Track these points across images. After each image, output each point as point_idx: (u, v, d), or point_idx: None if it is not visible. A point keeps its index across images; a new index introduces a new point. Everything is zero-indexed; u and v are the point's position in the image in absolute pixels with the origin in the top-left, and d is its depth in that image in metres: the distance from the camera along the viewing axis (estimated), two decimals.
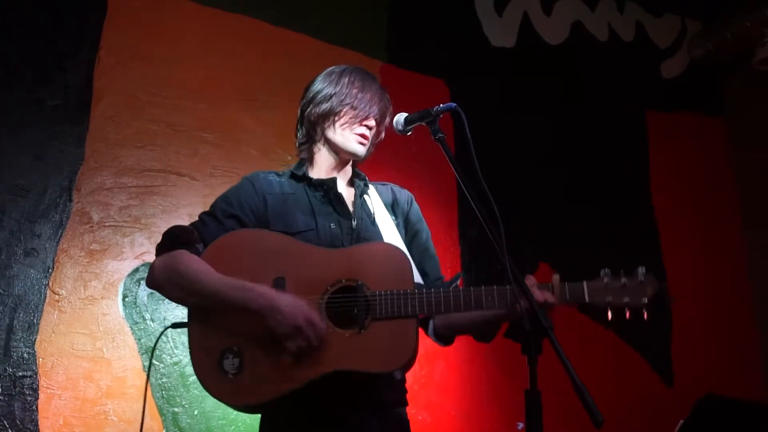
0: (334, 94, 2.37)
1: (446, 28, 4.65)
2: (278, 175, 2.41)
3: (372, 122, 2.36)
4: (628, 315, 2.08)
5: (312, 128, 2.41)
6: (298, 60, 3.99)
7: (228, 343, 2.06)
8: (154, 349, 2.55)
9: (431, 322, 2.35)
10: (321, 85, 2.42)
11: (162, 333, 2.54)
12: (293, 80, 3.84)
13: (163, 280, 2.14)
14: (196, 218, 2.30)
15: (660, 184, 5.22)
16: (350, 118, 2.34)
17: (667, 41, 5.59)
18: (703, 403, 2.54)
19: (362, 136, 2.35)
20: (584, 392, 1.62)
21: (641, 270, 2.10)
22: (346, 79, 2.40)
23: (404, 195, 2.52)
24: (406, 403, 2.29)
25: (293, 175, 2.39)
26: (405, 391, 2.30)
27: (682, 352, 4.80)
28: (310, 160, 2.44)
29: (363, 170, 2.53)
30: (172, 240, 2.18)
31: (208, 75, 3.75)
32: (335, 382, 2.04)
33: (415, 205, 2.52)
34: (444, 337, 2.39)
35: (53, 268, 3.19)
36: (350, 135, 2.35)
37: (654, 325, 4.75)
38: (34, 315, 3.10)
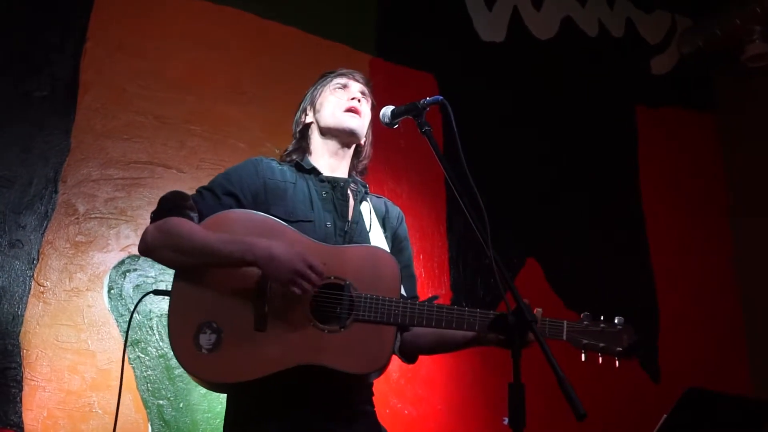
0: (312, 90, 2.52)
1: (436, 21, 4.64)
2: (279, 163, 2.41)
3: (357, 88, 2.46)
4: (600, 360, 2.16)
5: (303, 130, 2.49)
6: (286, 53, 3.99)
7: (208, 318, 2.04)
8: (131, 319, 2.54)
9: (400, 339, 2.35)
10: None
11: (142, 298, 2.53)
12: (282, 73, 3.89)
13: (155, 243, 2.12)
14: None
15: (649, 179, 5.22)
16: (332, 96, 2.44)
17: (657, 37, 5.60)
18: (686, 397, 2.55)
19: (351, 109, 2.41)
20: (567, 385, 1.62)
21: (620, 319, 2.18)
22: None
23: (396, 211, 2.54)
24: (372, 403, 2.32)
25: (299, 167, 2.39)
26: (372, 393, 2.33)
27: (669, 348, 4.81)
28: (306, 150, 2.48)
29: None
30: (167, 206, 2.17)
31: (196, 67, 3.74)
32: (306, 375, 2.04)
33: (404, 224, 2.54)
34: (408, 355, 2.42)
35: (38, 259, 3.17)
36: (339, 113, 2.41)
37: (641, 321, 4.77)
38: (18, 306, 3.08)
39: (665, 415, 2.65)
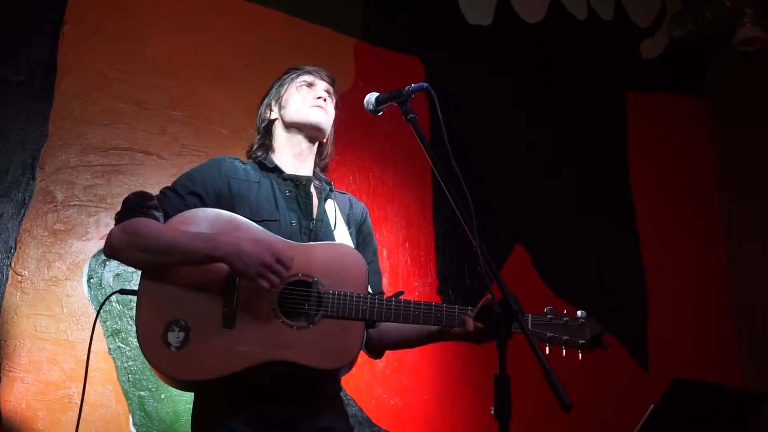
0: (278, 85, 2.54)
1: (422, 4, 4.57)
2: (243, 162, 2.41)
3: (322, 86, 2.47)
4: (564, 352, 2.19)
5: (268, 126, 2.50)
6: (270, 37, 3.92)
7: (176, 316, 2.05)
8: (98, 313, 2.52)
9: (366, 334, 2.36)
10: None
11: (107, 298, 2.50)
12: (265, 57, 3.82)
13: (121, 244, 2.12)
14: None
15: (639, 166, 5.19)
16: (298, 93, 2.46)
17: (647, 20, 5.54)
18: (673, 388, 2.53)
19: (317, 106, 2.43)
20: (553, 377, 1.62)
21: (582, 313, 2.21)
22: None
23: (360, 207, 2.56)
24: (340, 398, 2.34)
25: (262, 166, 2.40)
26: (340, 388, 2.36)
27: (658, 336, 4.80)
28: (270, 147, 2.48)
29: (334, 153, 2.61)
30: (131, 207, 2.17)
31: (177, 51, 3.66)
32: (274, 371, 2.05)
33: (369, 220, 2.57)
34: (375, 350, 2.44)
35: (15, 248, 3.11)
36: (305, 108, 2.43)
37: (630, 310, 4.76)
38: None
39: (652, 406, 2.65)
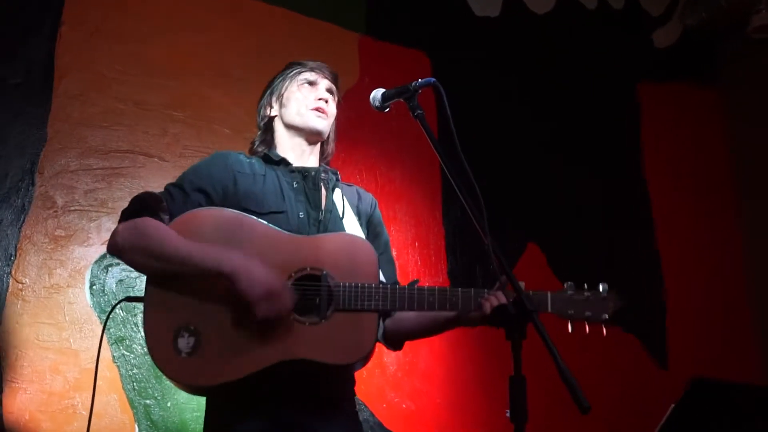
0: (278, 81, 2.48)
1: None
2: (247, 157, 2.38)
3: (324, 86, 2.41)
4: (587, 329, 2.11)
5: (268, 123, 2.46)
6: (272, 34, 3.88)
7: (184, 322, 2.00)
8: (105, 324, 2.43)
9: (382, 326, 2.33)
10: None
11: (114, 306, 2.43)
12: (266, 55, 3.76)
13: (126, 245, 2.06)
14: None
15: (652, 157, 5.13)
16: (299, 92, 2.40)
17: (660, 9, 5.48)
18: (693, 386, 2.50)
19: (318, 109, 2.37)
20: (569, 378, 1.58)
21: (604, 286, 2.14)
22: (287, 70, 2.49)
23: (368, 198, 2.51)
24: (353, 401, 2.30)
25: (268, 159, 2.36)
26: (354, 393, 2.31)
27: (677, 334, 4.74)
28: (271, 143, 2.44)
29: (340, 152, 2.61)
30: (139, 206, 2.12)
31: (177, 51, 3.61)
32: (288, 370, 2.00)
33: (378, 210, 2.52)
34: (393, 342, 2.38)
35: (16, 255, 3.06)
36: (305, 111, 2.37)
37: (648, 307, 4.69)
38: None
39: (673, 405, 2.60)
